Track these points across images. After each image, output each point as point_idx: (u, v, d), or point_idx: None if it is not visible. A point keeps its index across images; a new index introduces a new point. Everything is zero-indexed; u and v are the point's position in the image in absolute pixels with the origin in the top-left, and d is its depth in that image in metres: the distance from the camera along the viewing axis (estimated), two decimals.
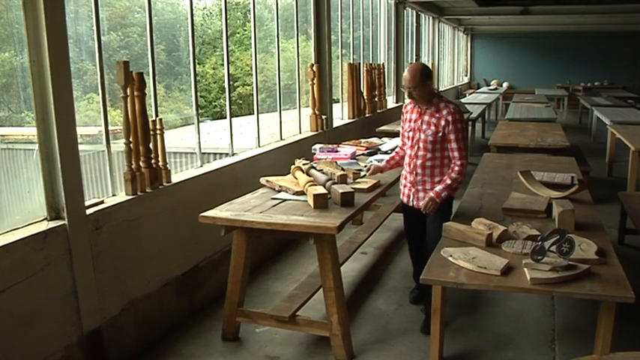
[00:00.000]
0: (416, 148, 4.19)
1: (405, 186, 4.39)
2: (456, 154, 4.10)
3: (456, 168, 4.10)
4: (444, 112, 4.07)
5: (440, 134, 4.08)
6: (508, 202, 4.28)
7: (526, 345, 4.12)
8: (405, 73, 4.05)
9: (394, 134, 7.10)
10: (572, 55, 23.57)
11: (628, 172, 8.04)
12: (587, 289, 2.98)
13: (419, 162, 4.18)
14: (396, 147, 4.70)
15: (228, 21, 5.73)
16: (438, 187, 4.10)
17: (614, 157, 9.98)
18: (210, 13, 16.02)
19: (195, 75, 5.08)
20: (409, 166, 4.28)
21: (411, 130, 4.23)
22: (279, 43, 6.92)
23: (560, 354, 3.98)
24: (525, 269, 3.11)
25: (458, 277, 3.13)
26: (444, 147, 4.12)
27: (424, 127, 4.12)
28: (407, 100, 4.28)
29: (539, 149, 7.12)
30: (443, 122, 4.06)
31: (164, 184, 4.32)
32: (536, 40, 23.59)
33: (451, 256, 3.30)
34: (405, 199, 4.43)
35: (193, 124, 5.11)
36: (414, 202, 4.31)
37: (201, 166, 5.10)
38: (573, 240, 3.15)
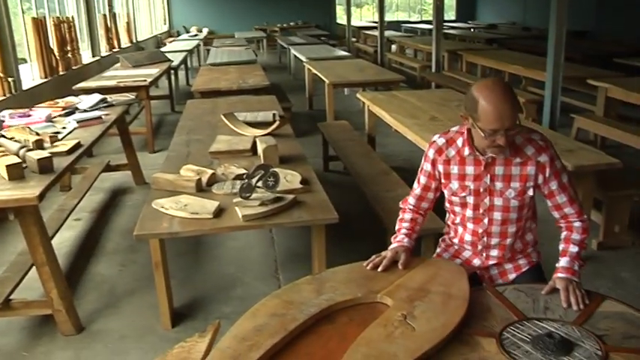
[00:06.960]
0: (486, 221, 2.49)
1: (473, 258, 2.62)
2: (569, 209, 2.45)
3: (577, 224, 2.45)
4: (530, 152, 2.37)
5: (530, 191, 2.43)
6: (214, 145, 4.32)
7: (252, 279, 4.26)
8: (500, 103, 2.17)
9: (92, 90, 6.65)
10: None
11: (325, 104, 8.64)
12: (296, 217, 3.16)
13: (493, 241, 2.53)
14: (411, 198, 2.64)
15: None
16: (566, 262, 2.35)
17: (313, 91, 10.66)
18: None
19: None
20: (475, 236, 2.55)
21: (469, 194, 2.46)
22: None
23: (284, 281, 4.18)
24: (236, 208, 3.17)
25: (172, 226, 3.09)
26: (532, 205, 2.54)
27: (499, 185, 2.42)
28: (435, 136, 2.52)
29: (241, 91, 7.29)
30: (532, 170, 2.38)
31: None
32: None
33: (162, 207, 3.23)
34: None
35: None
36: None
37: None
38: (277, 173, 3.30)
